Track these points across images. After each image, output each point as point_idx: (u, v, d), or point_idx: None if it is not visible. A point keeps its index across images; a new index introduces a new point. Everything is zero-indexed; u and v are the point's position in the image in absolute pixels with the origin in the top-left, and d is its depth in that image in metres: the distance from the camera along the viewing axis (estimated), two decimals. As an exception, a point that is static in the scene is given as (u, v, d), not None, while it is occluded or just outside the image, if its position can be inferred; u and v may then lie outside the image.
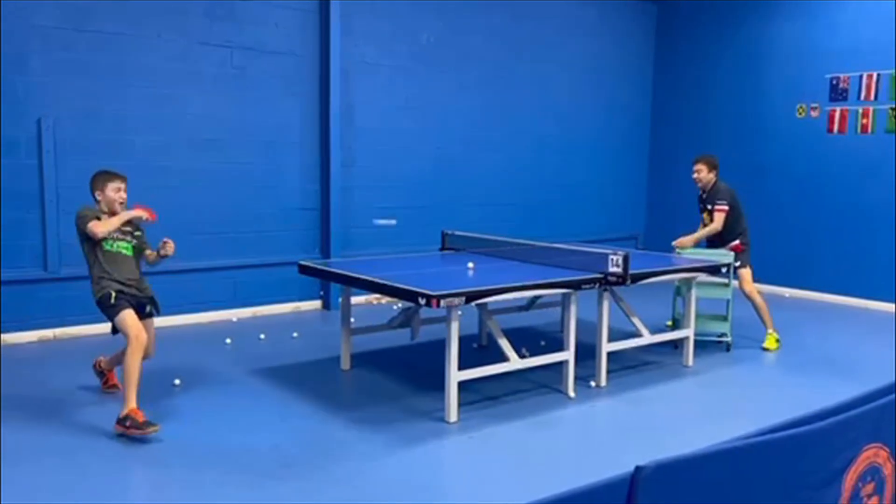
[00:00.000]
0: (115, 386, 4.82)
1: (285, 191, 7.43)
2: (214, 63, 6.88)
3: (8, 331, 6.02)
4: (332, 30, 7.36)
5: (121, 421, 4.08)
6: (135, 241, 4.53)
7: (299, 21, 7.34)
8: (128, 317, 4.29)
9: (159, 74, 6.59)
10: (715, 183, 6.35)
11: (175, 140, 6.73)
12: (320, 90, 7.51)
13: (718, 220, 6.22)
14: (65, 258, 6.21)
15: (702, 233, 6.35)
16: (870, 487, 2.52)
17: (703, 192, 6.41)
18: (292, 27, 7.30)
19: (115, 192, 4.44)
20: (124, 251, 4.46)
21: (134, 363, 4.18)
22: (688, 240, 6.34)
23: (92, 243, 4.37)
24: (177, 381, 5.04)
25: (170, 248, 4.52)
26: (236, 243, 7.13)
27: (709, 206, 6.34)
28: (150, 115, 6.58)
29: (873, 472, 2.52)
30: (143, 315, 4.45)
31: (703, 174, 6.35)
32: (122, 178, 4.52)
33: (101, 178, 4.50)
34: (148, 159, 6.56)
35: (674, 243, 6.38)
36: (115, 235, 4.41)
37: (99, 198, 4.47)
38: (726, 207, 6.21)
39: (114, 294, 4.32)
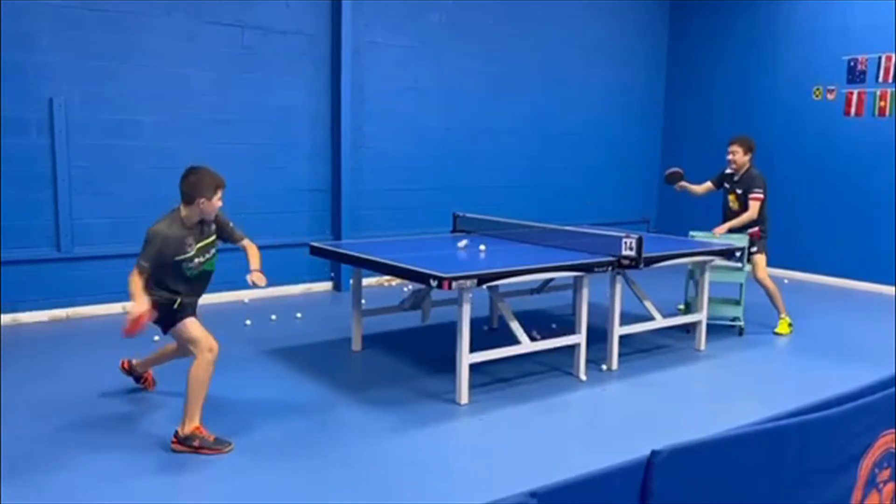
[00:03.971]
0: (148, 383, 4.50)
1: (295, 172, 7.41)
2: (224, 43, 6.84)
3: (20, 310, 6.06)
4: (343, 9, 7.30)
5: (184, 440, 3.67)
6: (216, 257, 4.03)
7: (310, 0, 7.28)
8: (194, 326, 3.86)
9: (169, 54, 6.56)
10: (749, 168, 6.19)
11: (185, 120, 6.71)
12: (331, 70, 7.46)
13: (754, 208, 6.07)
14: (77, 238, 6.23)
15: (737, 221, 6.13)
16: (886, 473, 2.49)
17: (735, 174, 6.25)
18: (303, 6, 7.25)
19: (219, 200, 3.85)
20: (207, 269, 3.98)
21: (206, 375, 3.74)
22: (722, 228, 6.17)
23: (164, 265, 3.78)
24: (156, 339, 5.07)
25: (260, 281, 4.06)
26: (247, 224, 6.98)
27: (738, 191, 6.20)
28: (160, 95, 6.56)
29: (889, 459, 2.50)
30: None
31: (739, 156, 6.17)
32: (225, 183, 3.88)
33: (212, 181, 3.78)
34: (157, 140, 6.55)
35: (714, 231, 6.18)
36: (198, 261, 3.86)
37: (201, 205, 3.76)
38: (762, 196, 6.09)
39: (179, 300, 3.87)
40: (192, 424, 3.69)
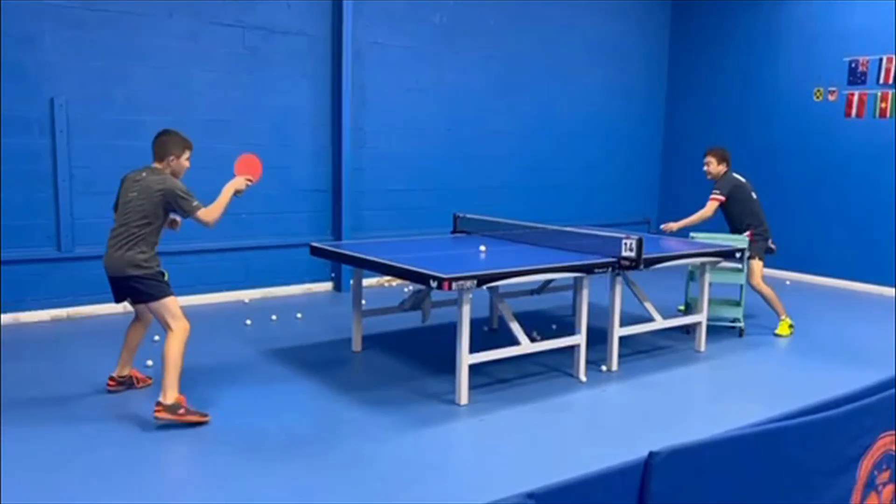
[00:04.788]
0: (143, 380, 4.57)
1: (297, 172, 7.41)
2: (226, 43, 6.84)
3: (21, 310, 6.07)
4: (345, 10, 7.30)
5: (170, 408, 3.86)
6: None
7: (311, 1, 7.29)
8: (177, 303, 4.12)
9: (170, 54, 6.57)
10: (723, 175, 6.32)
11: (186, 120, 6.70)
12: (332, 71, 7.46)
13: (708, 207, 6.27)
14: (78, 238, 6.24)
15: (690, 219, 6.33)
16: (885, 475, 2.49)
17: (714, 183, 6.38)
18: (304, 7, 7.25)
19: (187, 161, 4.23)
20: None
21: (182, 349, 4.02)
22: (675, 224, 6.38)
23: (164, 218, 4.14)
24: (156, 338, 5.10)
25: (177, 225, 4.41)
26: (248, 224, 7.13)
27: None
28: (161, 95, 6.56)
29: (889, 460, 2.49)
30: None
31: (713, 167, 6.34)
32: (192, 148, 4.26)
33: (182, 142, 4.18)
34: (160, 140, 6.55)
35: (662, 227, 6.46)
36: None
37: (171, 163, 4.14)
38: (720, 198, 6.23)
39: (166, 273, 4.14)
40: (173, 394, 3.90)
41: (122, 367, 4.49)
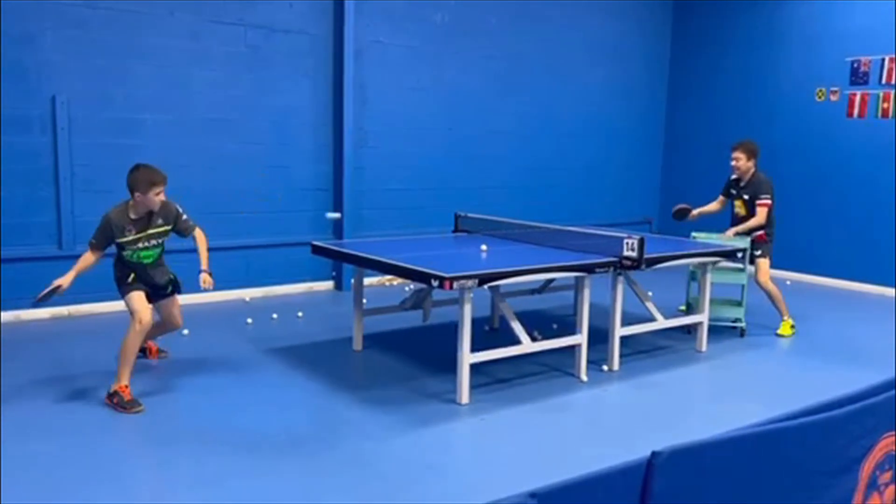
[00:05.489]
0: (158, 352, 5.10)
1: (298, 171, 7.41)
2: (227, 42, 6.84)
3: (22, 308, 6.06)
4: (346, 9, 7.29)
5: (110, 395, 4.21)
6: (160, 248, 4.56)
7: (313, 0, 7.28)
8: (137, 298, 4.38)
9: (172, 53, 6.57)
10: (755, 173, 6.17)
11: (187, 119, 6.72)
12: (333, 70, 7.46)
13: (762, 214, 6.06)
14: (79, 236, 6.23)
15: (744, 226, 6.12)
16: (887, 476, 2.49)
17: (741, 180, 6.23)
18: (306, 6, 7.25)
19: (156, 195, 4.32)
20: (145, 261, 4.50)
21: (134, 343, 4.27)
22: (730, 233, 6.17)
23: (115, 245, 4.45)
24: (185, 332, 5.40)
25: (207, 284, 4.57)
26: (249, 223, 7.13)
27: (745, 197, 6.19)
28: (162, 93, 6.56)
29: (891, 461, 2.49)
30: (161, 296, 4.65)
31: (742, 162, 6.14)
32: (165, 180, 4.37)
33: (145, 180, 4.27)
34: (159, 138, 6.55)
35: (719, 237, 6.18)
36: (138, 246, 4.42)
37: (138, 199, 4.32)
38: (769, 202, 6.08)
39: (132, 275, 4.47)
40: (118, 384, 4.19)
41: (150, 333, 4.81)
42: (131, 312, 4.35)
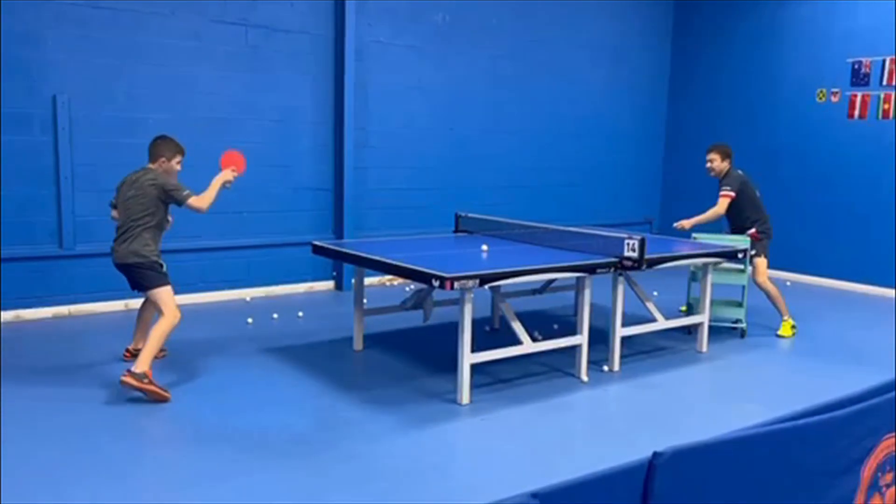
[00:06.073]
0: (161, 350, 4.82)
1: (299, 171, 7.41)
2: (228, 41, 6.84)
3: (23, 307, 6.07)
4: (347, 9, 7.30)
5: (137, 376, 4.14)
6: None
7: (314, 0, 7.28)
8: (171, 293, 4.51)
9: (173, 52, 6.57)
10: (728, 171, 6.29)
11: (188, 118, 6.71)
12: (334, 70, 7.46)
13: (721, 204, 6.18)
14: (80, 235, 6.24)
15: (702, 216, 6.26)
16: (888, 477, 2.48)
17: (719, 180, 6.33)
18: (307, 6, 7.25)
19: (178, 165, 4.64)
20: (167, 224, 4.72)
21: (167, 334, 4.39)
22: (687, 222, 6.30)
23: (164, 211, 4.57)
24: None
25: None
26: (250, 223, 7.13)
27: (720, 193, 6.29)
28: (164, 93, 6.56)
29: (892, 462, 2.49)
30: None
31: (716, 163, 6.29)
32: (184, 153, 4.69)
33: (172, 147, 4.62)
34: (162, 138, 6.55)
35: (675, 225, 6.38)
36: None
37: (162, 164, 4.57)
38: (731, 194, 6.16)
39: (165, 265, 4.55)
40: (143, 367, 4.18)
41: (136, 342, 4.91)
42: (168, 307, 4.43)
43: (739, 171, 6.31)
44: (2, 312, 5.95)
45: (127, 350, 4.97)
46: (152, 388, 4.18)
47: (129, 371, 4.18)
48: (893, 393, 2.44)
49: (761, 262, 6.17)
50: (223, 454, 3.66)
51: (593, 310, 5.04)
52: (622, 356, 5.23)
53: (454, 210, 6.70)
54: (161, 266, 4.53)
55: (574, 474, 1.71)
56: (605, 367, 5.16)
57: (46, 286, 6.18)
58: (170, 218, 4.76)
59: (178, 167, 4.67)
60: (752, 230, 6.18)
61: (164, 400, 4.21)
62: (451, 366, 4.50)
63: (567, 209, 9.13)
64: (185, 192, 4.51)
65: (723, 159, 6.29)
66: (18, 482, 3.29)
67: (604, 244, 5.19)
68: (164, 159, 4.58)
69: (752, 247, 6.12)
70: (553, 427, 4.18)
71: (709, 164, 6.33)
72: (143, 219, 4.49)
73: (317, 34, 7.35)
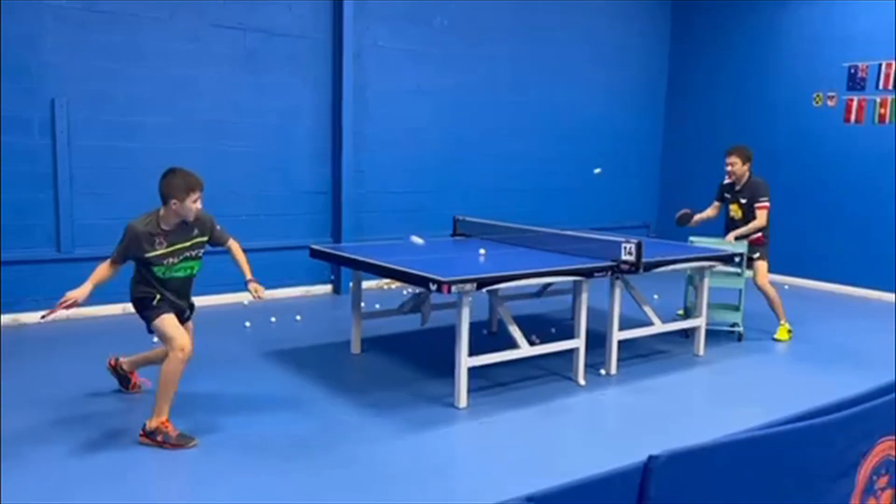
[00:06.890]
0: (138, 387, 4.50)
1: (297, 174, 7.42)
2: (227, 45, 6.85)
3: (20, 310, 6.06)
4: (345, 12, 7.31)
5: (150, 434, 3.74)
6: (198, 262, 4.05)
7: (312, 3, 7.30)
8: (170, 322, 3.86)
9: (172, 56, 6.58)
10: (750, 176, 6.20)
11: (187, 122, 6.72)
12: (333, 73, 7.47)
13: (762, 216, 6.08)
14: (78, 239, 6.24)
15: (745, 229, 6.12)
16: (884, 480, 2.49)
17: (735, 184, 6.25)
18: (305, 9, 7.26)
19: (193, 203, 3.83)
20: (180, 276, 3.97)
21: (176, 373, 3.78)
22: (730, 237, 6.17)
23: (137, 260, 3.89)
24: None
25: (261, 293, 4.18)
26: (247, 226, 7.11)
27: (741, 200, 6.20)
28: (162, 96, 6.57)
29: (888, 465, 2.50)
30: (182, 319, 4.04)
31: (738, 167, 6.17)
32: (202, 185, 3.87)
33: (183, 185, 3.78)
34: (159, 141, 6.56)
35: (726, 238, 6.19)
36: (170, 261, 3.88)
37: (174, 208, 3.80)
38: (768, 204, 6.11)
39: (158, 297, 3.91)
40: (158, 419, 3.76)
41: (132, 362, 4.47)
42: (166, 340, 3.83)
43: (762, 178, 6.24)
44: (1, 316, 5.94)
45: (114, 358, 4.49)
46: (170, 444, 3.72)
47: (142, 430, 3.77)
48: (889, 396, 2.45)
49: (762, 264, 6.18)
50: (222, 457, 3.66)
51: (591, 313, 5.05)
52: (619, 360, 5.24)
53: (452, 213, 6.71)
54: (152, 299, 3.89)
55: (570, 477, 1.71)
56: (603, 371, 5.16)
57: (44, 290, 6.14)
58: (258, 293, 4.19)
59: (196, 206, 3.87)
60: (758, 235, 6.16)
61: (190, 446, 3.76)
62: (449, 369, 4.51)
63: (565, 212, 9.13)
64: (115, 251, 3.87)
65: (744, 163, 6.17)
66: (18, 483, 3.29)
67: (601, 248, 5.20)
68: (174, 201, 3.80)
69: (755, 250, 6.12)
70: (550, 430, 4.19)
71: (729, 168, 6.19)
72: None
73: (315, 37, 7.36)
